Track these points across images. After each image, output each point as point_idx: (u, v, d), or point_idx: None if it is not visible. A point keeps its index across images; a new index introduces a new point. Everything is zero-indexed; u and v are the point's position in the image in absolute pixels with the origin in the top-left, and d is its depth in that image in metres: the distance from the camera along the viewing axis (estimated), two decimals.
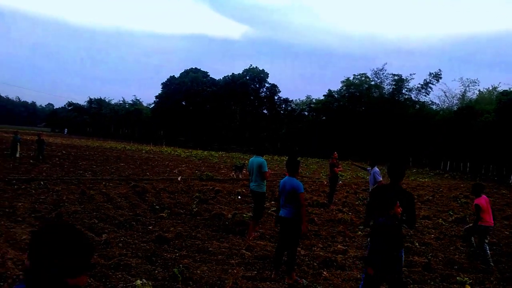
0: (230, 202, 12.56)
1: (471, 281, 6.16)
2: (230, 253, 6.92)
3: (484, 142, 43.37)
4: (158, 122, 77.31)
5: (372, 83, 64.31)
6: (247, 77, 76.15)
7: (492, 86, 55.61)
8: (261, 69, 76.54)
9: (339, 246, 7.87)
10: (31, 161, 20.23)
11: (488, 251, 7.42)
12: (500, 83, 65.87)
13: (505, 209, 15.75)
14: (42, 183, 13.13)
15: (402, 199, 4.37)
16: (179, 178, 17.29)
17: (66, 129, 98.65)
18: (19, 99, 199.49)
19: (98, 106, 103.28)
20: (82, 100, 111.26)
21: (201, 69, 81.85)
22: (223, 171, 23.64)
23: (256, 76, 76.18)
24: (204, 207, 11.08)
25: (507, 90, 43.96)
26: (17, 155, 21.61)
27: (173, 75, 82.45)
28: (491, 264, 7.20)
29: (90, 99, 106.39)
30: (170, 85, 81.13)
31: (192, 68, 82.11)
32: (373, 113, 58.31)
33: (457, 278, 6.23)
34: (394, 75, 60.82)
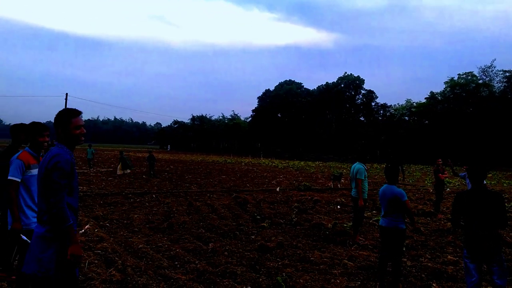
0: (329, 211, 12.46)
1: None
2: (332, 263, 6.88)
3: None
4: (255, 134, 79.46)
5: (480, 81, 59.48)
6: (342, 85, 75.15)
7: None
8: (356, 75, 75.01)
9: (449, 257, 7.40)
10: (143, 176, 22.07)
11: None
12: None
13: None
14: (154, 196, 14.28)
15: (491, 201, 4.41)
16: (277, 189, 17.61)
17: (169, 145, 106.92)
18: (131, 120, 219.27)
19: (200, 122, 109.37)
20: (186, 118, 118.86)
21: (295, 81, 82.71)
22: (320, 181, 23.52)
23: (351, 83, 74.85)
24: (303, 217, 11.15)
25: None
26: (120, 171, 23.11)
27: (268, 89, 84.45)
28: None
29: (193, 116, 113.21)
30: (266, 98, 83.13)
31: (286, 80, 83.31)
32: (482, 114, 53.82)
33: None
34: (505, 71, 55.72)
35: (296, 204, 13.40)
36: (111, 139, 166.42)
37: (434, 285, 5.85)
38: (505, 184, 25.24)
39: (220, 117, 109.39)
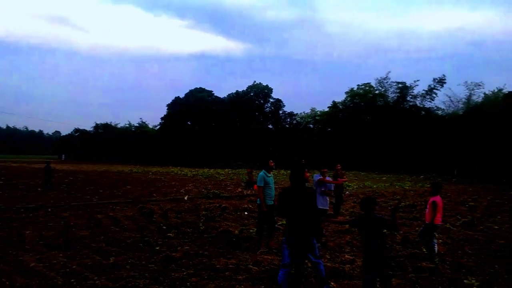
0: (237, 218, 12.57)
1: (478, 283, 6.12)
2: (237, 269, 6.92)
3: (492, 145, 43.10)
4: (164, 143, 77.65)
5: (377, 92, 64.38)
6: (251, 94, 76.61)
7: (497, 88, 55.44)
8: (265, 84, 77.03)
9: (346, 256, 7.85)
10: (39, 189, 20.41)
11: (436, 248, 7.72)
12: (505, 84, 65.40)
13: None
14: (49, 210, 13.25)
15: (306, 196, 5.35)
16: (185, 197, 17.36)
17: (63, 154, 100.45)
18: (26, 128, 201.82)
19: (104, 130, 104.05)
20: (89, 126, 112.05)
21: (206, 89, 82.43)
22: (229, 188, 23.67)
23: (260, 92, 76.61)
24: (211, 224, 11.10)
25: None
26: None
27: (178, 96, 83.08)
28: (436, 260, 7.44)
29: (97, 124, 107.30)
30: (176, 105, 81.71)
31: (197, 88, 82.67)
32: (379, 122, 58.28)
33: (465, 281, 6.20)
34: (398, 83, 60.93)
35: (204, 212, 13.31)
36: (2, 150, 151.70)
37: (332, 283, 6.14)
38: (397, 186, 27.49)
39: (127, 125, 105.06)
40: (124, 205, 15.04)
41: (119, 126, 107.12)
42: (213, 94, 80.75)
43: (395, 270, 7.07)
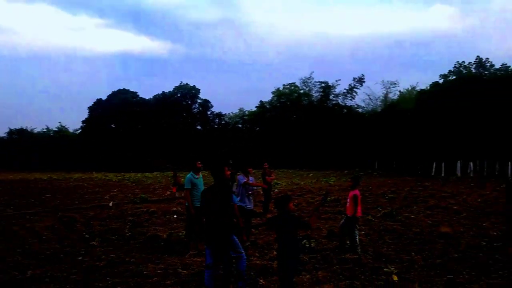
0: (166, 222, 12.32)
1: (397, 270, 6.53)
2: (165, 273, 6.78)
3: (407, 139, 46.23)
4: (86, 148, 73.92)
5: (301, 91, 66.37)
6: (178, 94, 75.45)
7: (410, 86, 59.61)
8: (192, 85, 76.21)
9: (275, 253, 7.97)
10: None
11: (358, 240, 8.06)
12: (418, 82, 70.76)
13: (428, 200, 16.85)
14: None
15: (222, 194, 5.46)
16: (110, 204, 16.65)
17: None
18: None
19: (19, 136, 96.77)
20: (1, 132, 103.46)
21: (130, 90, 79.72)
22: (158, 191, 23.12)
23: (187, 93, 75.66)
24: (138, 230, 10.77)
25: (424, 89, 47.32)
26: None
27: (100, 98, 79.45)
28: (359, 250, 7.82)
29: (11, 130, 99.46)
30: (97, 108, 78.08)
31: (120, 89, 79.63)
32: (304, 121, 60.13)
33: (385, 269, 6.58)
34: (321, 82, 63.26)
35: (130, 217, 12.87)
36: None
37: (261, 281, 6.22)
38: (323, 182, 28.54)
39: (44, 130, 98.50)
40: (43, 214, 14.09)
41: (35, 131, 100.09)
42: (138, 95, 78.28)
43: (320, 263, 7.32)
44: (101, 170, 55.29)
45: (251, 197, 9.38)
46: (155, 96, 76.76)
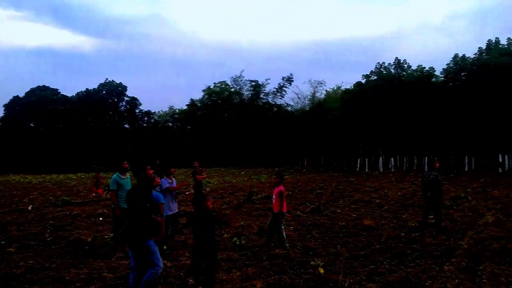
0: (91, 225, 11.76)
1: (323, 263, 6.77)
2: (90, 278, 6.47)
3: (334, 137, 48.12)
4: (2, 148, 68.64)
5: (232, 90, 66.62)
6: (104, 92, 72.26)
7: (336, 85, 62.14)
8: (118, 82, 73.36)
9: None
10: None
11: (284, 235, 8.20)
12: (342, 82, 74.10)
13: (353, 194, 17.67)
14: None
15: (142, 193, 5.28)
16: (29, 207, 15.57)
17: None
18: None
19: None
20: None
21: (51, 87, 75.10)
22: (82, 193, 22.01)
23: (113, 90, 72.67)
24: (60, 234, 10.17)
25: (348, 88, 49.49)
26: None
27: (18, 95, 74.04)
28: (287, 245, 8.02)
29: None
30: (14, 106, 72.65)
31: (39, 86, 74.73)
32: (235, 119, 60.45)
33: (312, 263, 6.80)
34: (251, 81, 63.98)
35: (51, 221, 12.12)
36: None
37: (190, 281, 6.13)
38: (254, 180, 28.85)
39: None
40: None
41: None
42: (59, 92, 73.88)
43: (251, 259, 7.39)
44: (20, 172, 51.52)
45: (175, 200, 8.93)
46: (78, 94, 72.93)
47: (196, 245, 5.16)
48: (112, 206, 8.31)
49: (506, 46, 36.71)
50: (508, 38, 37.43)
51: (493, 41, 39.14)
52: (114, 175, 8.36)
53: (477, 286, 5.64)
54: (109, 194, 17.66)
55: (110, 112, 72.50)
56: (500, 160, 34.05)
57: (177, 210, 8.78)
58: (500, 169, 33.25)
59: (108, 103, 72.11)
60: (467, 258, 6.87)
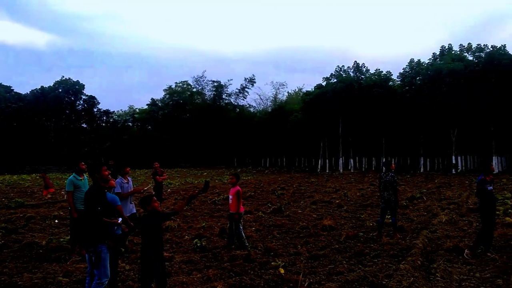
0: (45, 228, 11.31)
1: (284, 263, 6.83)
2: (44, 283, 6.23)
3: (295, 138, 48.68)
4: None
5: (194, 90, 66.12)
6: (60, 90, 69.80)
7: (298, 87, 62.93)
8: (75, 80, 71.12)
9: (165, 254, 7.80)
10: None
11: (243, 234, 8.27)
12: (304, 84, 75.42)
13: (314, 195, 17.93)
14: None
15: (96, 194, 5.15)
16: None
17: None
18: None
19: None
20: None
21: (3, 84, 71.87)
22: (37, 195, 21.16)
23: (70, 88, 70.35)
24: (12, 238, 9.72)
25: (309, 90, 50.20)
26: None
27: None
28: (247, 244, 8.11)
29: None
30: None
31: None
32: (197, 119, 60.02)
33: (272, 263, 6.84)
34: (213, 81, 63.72)
35: (3, 224, 11.57)
36: None
37: (152, 284, 6.02)
38: (216, 181, 28.73)
39: None
40: None
41: None
42: (12, 89, 70.80)
43: (211, 261, 7.36)
44: None
45: (132, 201, 8.58)
46: (32, 91, 70.12)
47: (143, 251, 5.02)
48: (69, 208, 8.04)
49: (458, 52, 38.34)
50: (460, 45, 39.18)
51: (446, 47, 40.91)
52: (71, 176, 8.09)
53: (431, 284, 5.85)
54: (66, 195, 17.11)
55: (67, 111, 70.21)
56: (453, 161, 35.53)
57: (134, 211, 8.52)
58: (453, 170, 34.70)
59: (64, 101, 69.72)
60: (422, 257, 7.12)
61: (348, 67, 45.32)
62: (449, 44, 41.12)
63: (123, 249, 7.59)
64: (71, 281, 6.27)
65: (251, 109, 65.48)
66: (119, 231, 5.93)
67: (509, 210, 11.76)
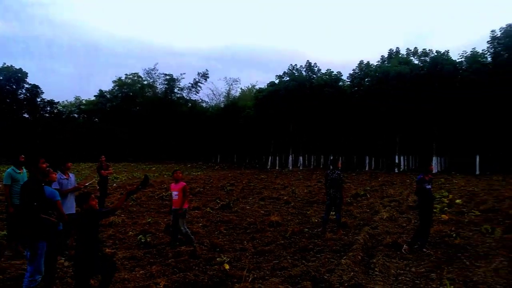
0: None
1: (229, 259, 6.84)
2: None
3: (247, 134, 48.84)
4: None
5: (145, 82, 64.62)
6: (1, 77, 65.87)
7: (251, 84, 63.10)
8: (18, 68, 67.28)
9: (107, 250, 7.60)
10: None
11: (188, 229, 8.16)
12: (257, 81, 75.77)
13: (263, 191, 18.10)
14: None
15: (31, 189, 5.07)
16: None
17: None
18: None
19: None
20: None
21: None
22: None
23: (12, 76, 66.45)
24: None
25: (262, 87, 50.50)
26: None
27: None
28: (192, 237, 8.03)
29: None
30: None
31: None
32: (148, 113, 58.73)
33: (218, 259, 6.83)
34: (166, 74, 62.53)
35: None
36: None
37: (91, 282, 5.84)
38: (165, 176, 28.28)
39: None
40: None
41: None
42: None
43: (155, 257, 7.24)
44: None
45: (72, 198, 8.16)
46: None
47: (79, 247, 4.80)
48: (6, 202, 7.63)
49: (405, 56, 39.96)
50: (407, 49, 40.85)
51: (394, 50, 42.55)
52: (9, 169, 7.69)
53: (369, 278, 6.07)
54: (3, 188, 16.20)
55: (8, 100, 66.35)
56: (396, 161, 37.06)
57: (73, 210, 8.12)
58: (396, 169, 36.19)
59: (5, 90, 65.83)
60: (363, 252, 7.37)
61: (301, 66, 45.98)
62: (397, 48, 42.84)
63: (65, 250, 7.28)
64: (5, 278, 5.95)
65: (204, 104, 64.95)
66: (60, 227, 5.73)
67: (445, 208, 12.42)
